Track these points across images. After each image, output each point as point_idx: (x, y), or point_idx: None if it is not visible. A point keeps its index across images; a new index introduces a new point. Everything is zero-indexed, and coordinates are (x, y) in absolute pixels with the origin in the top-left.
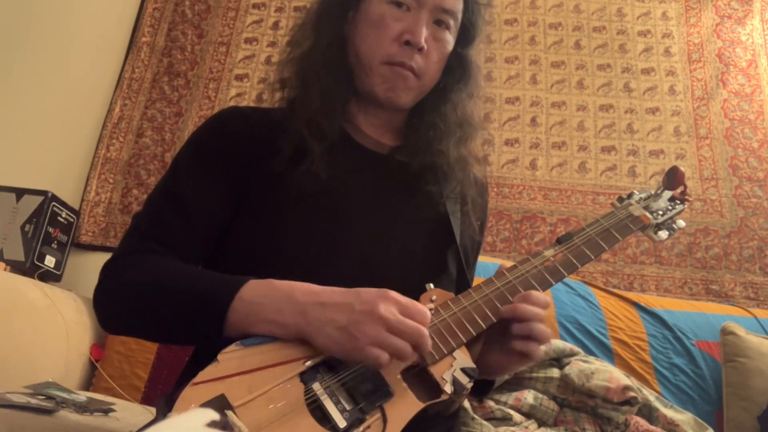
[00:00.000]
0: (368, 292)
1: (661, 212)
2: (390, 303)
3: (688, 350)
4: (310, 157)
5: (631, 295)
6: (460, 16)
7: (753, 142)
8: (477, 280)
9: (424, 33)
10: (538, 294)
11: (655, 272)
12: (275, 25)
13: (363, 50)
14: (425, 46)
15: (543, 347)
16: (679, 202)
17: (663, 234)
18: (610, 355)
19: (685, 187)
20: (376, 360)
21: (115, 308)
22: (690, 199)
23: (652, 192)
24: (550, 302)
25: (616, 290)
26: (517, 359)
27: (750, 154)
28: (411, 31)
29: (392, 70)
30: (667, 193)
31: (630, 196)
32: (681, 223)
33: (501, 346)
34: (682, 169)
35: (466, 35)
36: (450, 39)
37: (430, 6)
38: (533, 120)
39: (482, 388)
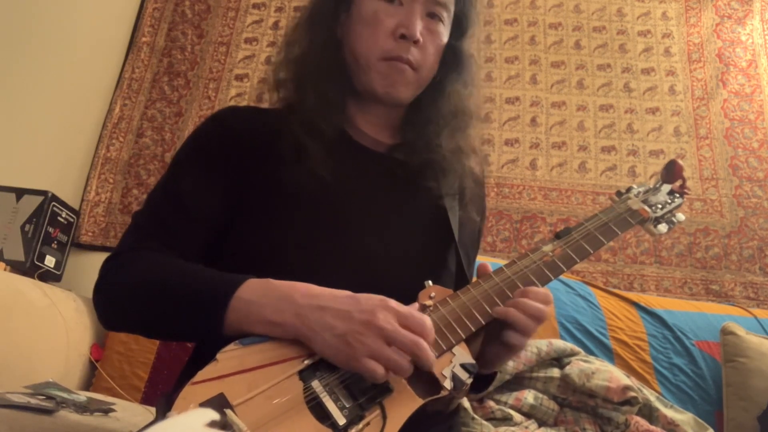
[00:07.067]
0: (368, 300)
1: (660, 206)
2: (389, 313)
3: (688, 350)
4: (307, 157)
5: (631, 295)
6: (452, 8)
7: (753, 142)
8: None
9: (419, 25)
10: (537, 289)
11: (655, 272)
12: (275, 25)
13: (359, 48)
14: (421, 39)
15: (540, 346)
16: (678, 195)
17: (662, 227)
18: (610, 355)
19: (684, 180)
20: (371, 372)
21: (114, 305)
22: (689, 192)
23: (651, 186)
24: (551, 297)
25: (616, 290)
26: (506, 350)
27: (750, 154)
28: (405, 24)
29: (390, 65)
30: (666, 187)
31: (629, 190)
32: (680, 216)
33: (498, 338)
34: (680, 162)
35: (459, 27)
36: (444, 31)
37: None
38: (533, 120)
39: (482, 383)
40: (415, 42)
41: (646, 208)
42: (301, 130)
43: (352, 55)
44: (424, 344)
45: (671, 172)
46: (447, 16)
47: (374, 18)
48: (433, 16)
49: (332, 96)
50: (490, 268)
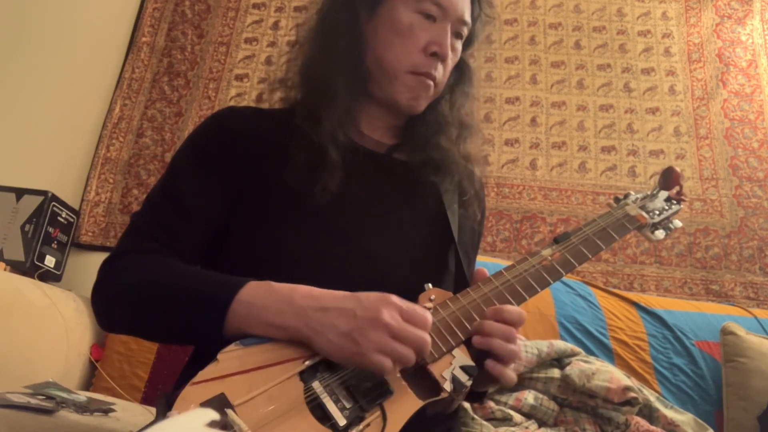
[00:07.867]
0: (369, 297)
1: (657, 212)
2: (392, 308)
3: (688, 350)
4: (329, 172)
5: (631, 295)
6: (470, 26)
7: (753, 142)
8: None
9: (449, 45)
10: (511, 308)
11: (655, 272)
12: (275, 25)
13: (388, 58)
14: (449, 59)
15: (541, 347)
16: (675, 202)
17: (659, 233)
18: (610, 355)
19: (681, 187)
20: (380, 366)
21: (113, 307)
22: (686, 199)
23: (649, 192)
24: (526, 317)
25: (616, 290)
26: (488, 379)
27: (750, 154)
28: (438, 42)
29: (417, 80)
30: (663, 194)
31: (626, 196)
32: (677, 222)
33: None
34: (677, 169)
35: (469, 42)
36: (461, 48)
37: (454, 18)
38: (533, 120)
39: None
40: (443, 60)
41: (644, 214)
42: (328, 142)
43: (378, 63)
44: (428, 337)
45: (668, 179)
46: (466, 34)
47: (409, 30)
48: (457, 35)
49: (343, 99)
50: (488, 273)
